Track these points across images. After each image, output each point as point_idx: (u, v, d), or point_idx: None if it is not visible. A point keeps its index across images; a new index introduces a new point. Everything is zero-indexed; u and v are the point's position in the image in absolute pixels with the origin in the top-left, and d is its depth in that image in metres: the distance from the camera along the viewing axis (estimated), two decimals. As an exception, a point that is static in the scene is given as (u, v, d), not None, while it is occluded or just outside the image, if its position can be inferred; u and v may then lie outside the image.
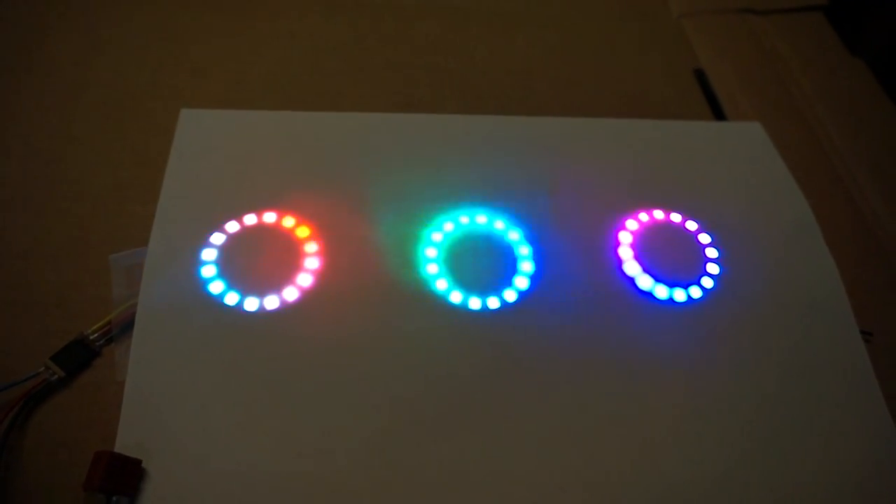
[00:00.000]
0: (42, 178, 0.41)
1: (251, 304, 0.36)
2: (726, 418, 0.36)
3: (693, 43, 0.56)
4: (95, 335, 0.35)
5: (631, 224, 0.42)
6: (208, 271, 0.37)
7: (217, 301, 0.36)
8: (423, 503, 0.32)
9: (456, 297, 0.38)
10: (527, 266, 0.40)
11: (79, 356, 0.34)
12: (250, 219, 0.39)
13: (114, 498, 0.30)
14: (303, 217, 0.40)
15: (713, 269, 0.41)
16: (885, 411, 0.37)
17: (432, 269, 0.39)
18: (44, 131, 0.43)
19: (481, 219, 0.41)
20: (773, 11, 0.59)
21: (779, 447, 0.35)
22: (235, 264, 0.38)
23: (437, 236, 0.40)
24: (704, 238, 0.42)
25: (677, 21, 0.58)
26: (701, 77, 0.54)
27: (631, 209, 0.43)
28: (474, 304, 0.38)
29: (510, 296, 0.39)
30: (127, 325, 0.35)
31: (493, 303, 0.38)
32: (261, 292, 0.37)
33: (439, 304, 0.38)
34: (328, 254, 0.39)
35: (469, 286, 0.39)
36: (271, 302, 0.37)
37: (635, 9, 0.58)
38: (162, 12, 0.51)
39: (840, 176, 0.49)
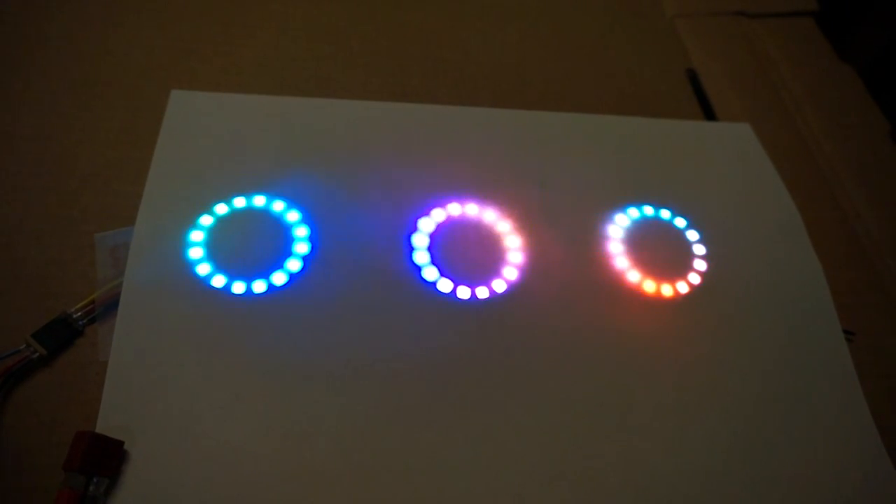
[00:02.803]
0: (28, 155, 0.40)
1: (238, 287, 0.36)
2: (710, 411, 0.36)
3: (686, 43, 0.56)
4: (78, 314, 0.34)
5: (620, 219, 0.43)
6: (195, 253, 0.37)
7: (204, 283, 0.36)
8: (407, 489, 0.32)
9: (445, 286, 0.38)
10: (516, 257, 0.40)
11: (61, 334, 0.34)
12: (239, 202, 0.39)
13: (94, 479, 0.29)
14: (293, 202, 0.39)
15: (700, 265, 0.42)
16: (865, 409, 0.38)
17: (422, 257, 0.39)
18: (31, 107, 0.42)
19: (472, 209, 0.41)
20: (764, 15, 0.59)
21: (761, 442, 0.36)
22: (223, 247, 0.37)
23: (427, 225, 0.40)
24: (692, 235, 0.43)
25: (671, 21, 0.58)
26: (693, 77, 0.54)
27: (621, 205, 0.43)
28: (463, 293, 0.38)
29: (499, 286, 0.39)
30: (111, 305, 0.35)
31: (482, 292, 0.38)
32: (249, 275, 0.37)
33: (428, 292, 0.38)
34: (317, 239, 0.38)
35: (458, 276, 0.39)
36: (259, 286, 0.36)
37: (629, 8, 0.59)
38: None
39: (826, 178, 0.49)
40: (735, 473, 0.35)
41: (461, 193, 0.42)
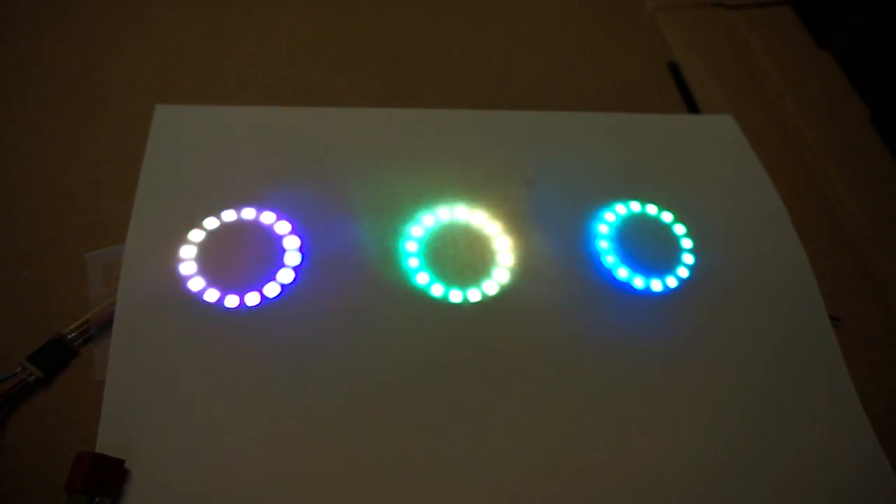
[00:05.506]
0: (14, 174, 0.40)
1: (231, 300, 0.36)
2: (702, 403, 0.37)
3: (667, 36, 0.57)
4: (73, 334, 0.34)
5: (608, 216, 0.43)
6: (187, 268, 0.37)
7: (197, 298, 0.36)
8: (407, 493, 0.33)
9: (437, 291, 0.38)
10: (506, 259, 0.40)
11: (56, 356, 0.34)
12: (229, 215, 0.39)
13: (97, 499, 0.29)
14: (282, 213, 0.40)
15: (688, 259, 0.42)
16: (853, 393, 0.38)
17: (413, 263, 0.39)
18: (14, 126, 0.42)
19: (461, 212, 0.42)
20: (743, 6, 0.60)
21: (753, 431, 0.36)
22: (215, 261, 0.37)
23: (417, 230, 0.40)
24: (679, 229, 0.43)
25: (651, 15, 0.58)
26: (675, 70, 0.54)
27: (608, 201, 0.44)
28: (455, 296, 0.38)
29: (490, 288, 0.39)
30: (105, 324, 0.35)
31: (474, 295, 0.39)
32: (241, 289, 0.37)
33: (420, 297, 0.38)
34: (309, 249, 0.39)
35: (450, 279, 0.39)
36: (252, 298, 0.37)
37: (610, 2, 0.59)
38: (134, 4, 0.50)
39: (809, 166, 0.50)
40: (729, 464, 0.35)
41: (449, 197, 0.42)
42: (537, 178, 0.44)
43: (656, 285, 0.41)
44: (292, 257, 0.38)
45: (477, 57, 0.52)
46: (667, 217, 0.44)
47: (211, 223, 0.39)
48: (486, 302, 0.39)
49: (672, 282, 0.41)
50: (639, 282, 0.41)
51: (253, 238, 0.39)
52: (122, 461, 0.31)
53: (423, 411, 0.35)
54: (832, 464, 0.36)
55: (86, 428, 0.32)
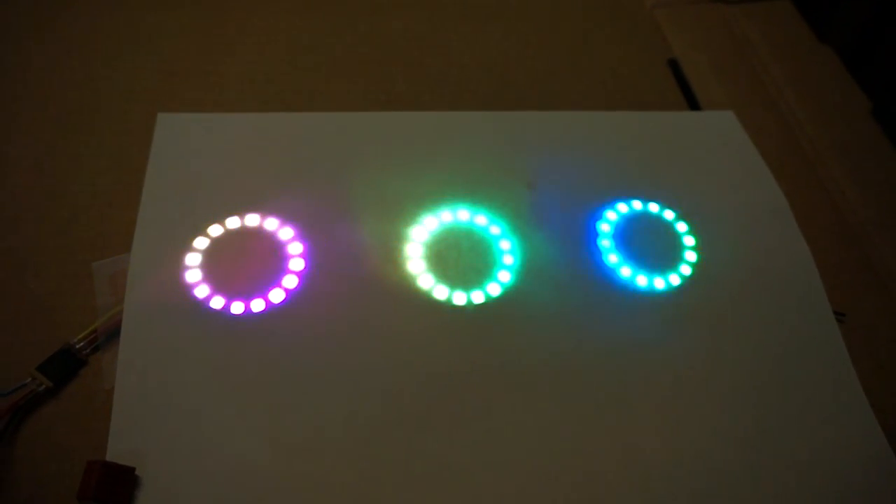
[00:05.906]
0: (19, 186, 0.40)
1: (237, 307, 0.37)
2: (707, 401, 0.37)
3: (666, 33, 0.57)
4: (81, 344, 0.35)
5: (610, 215, 0.43)
6: (193, 276, 0.37)
7: (203, 305, 0.36)
8: (413, 496, 0.33)
9: (440, 293, 0.39)
10: (509, 260, 0.40)
11: (65, 365, 0.34)
12: (233, 222, 0.39)
13: (108, 506, 0.30)
14: (286, 218, 0.40)
15: (691, 256, 0.42)
16: (858, 388, 0.38)
17: (416, 266, 0.39)
18: (17, 137, 0.42)
19: (463, 214, 0.42)
20: (743, 1, 0.60)
21: (759, 427, 0.36)
22: (220, 268, 0.38)
23: (419, 233, 0.41)
24: (681, 226, 0.43)
25: (650, 12, 0.58)
26: (675, 67, 0.54)
27: (609, 200, 0.44)
28: (459, 299, 0.39)
29: (494, 290, 0.39)
30: (113, 333, 0.35)
31: (478, 297, 0.39)
32: (246, 295, 0.37)
33: (424, 300, 0.38)
34: (312, 254, 0.39)
35: (453, 282, 0.39)
36: (257, 305, 0.37)
37: (609, 0, 0.59)
38: (133, 12, 0.50)
39: (811, 161, 0.50)
40: (735, 462, 0.35)
41: (451, 199, 0.42)
42: (538, 179, 0.44)
43: (659, 283, 0.41)
44: (297, 263, 0.38)
45: (477, 58, 0.52)
46: (669, 215, 0.44)
47: (215, 230, 0.39)
48: (490, 304, 0.39)
49: (675, 279, 0.41)
50: (642, 280, 0.41)
51: (257, 244, 0.39)
52: (133, 468, 0.31)
53: (429, 414, 0.35)
54: (838, 458, 0.36)
55: (96, 436, 0.32)
